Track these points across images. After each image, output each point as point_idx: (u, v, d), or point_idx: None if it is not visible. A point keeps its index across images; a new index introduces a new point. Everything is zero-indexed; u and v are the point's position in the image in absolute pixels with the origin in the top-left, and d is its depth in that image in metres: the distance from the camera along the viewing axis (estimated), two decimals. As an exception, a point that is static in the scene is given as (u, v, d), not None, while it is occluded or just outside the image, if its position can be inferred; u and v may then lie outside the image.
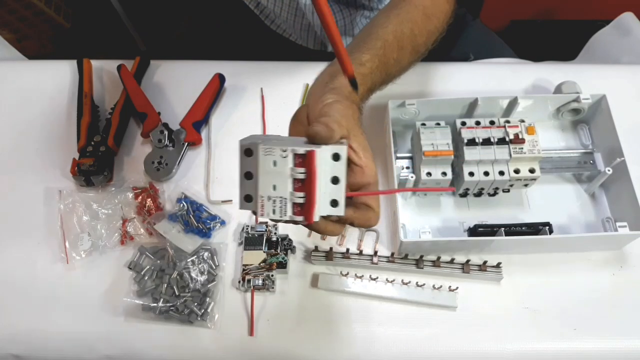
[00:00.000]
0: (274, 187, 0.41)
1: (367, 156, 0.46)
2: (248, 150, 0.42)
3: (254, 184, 0.41)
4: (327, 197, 0.41)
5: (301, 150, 0.40)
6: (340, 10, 0.80)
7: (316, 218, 0.41)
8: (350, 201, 0.45)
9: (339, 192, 0.41)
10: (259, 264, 0.65)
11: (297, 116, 0.49)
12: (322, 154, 0.40)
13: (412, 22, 0.58)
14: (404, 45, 0.57)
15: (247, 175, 0.42)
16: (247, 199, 0.42)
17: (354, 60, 0.52)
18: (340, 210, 0.41)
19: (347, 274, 0.64)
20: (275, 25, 0.88)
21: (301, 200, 0.41)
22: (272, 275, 0.64)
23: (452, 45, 0.90)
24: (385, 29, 0.57)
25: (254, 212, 0.44)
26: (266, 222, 0.68)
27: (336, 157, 0.41)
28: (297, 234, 0.68)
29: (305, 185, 0.40)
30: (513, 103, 0.69)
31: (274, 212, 0.41)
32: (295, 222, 0.42)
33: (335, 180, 0.41)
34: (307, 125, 0.47)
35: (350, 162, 0.45)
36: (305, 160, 0.40)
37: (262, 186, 0.41)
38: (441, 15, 0.62)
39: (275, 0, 0.81)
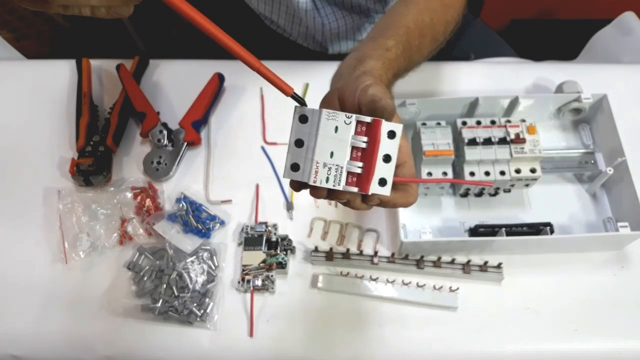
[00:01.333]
0: (332, 154, 0.40)
1: (402, 136, 0.45)
2: (303, 117, 0.41)
3: (306, 151, 0.40)
4: (377, 174, 0.40)
5: (367, 118, 0.40)
6: (343, 16, 0.80)
7: (372, 190, 0.39)
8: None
9: (389, 172, 0.40)
10: (259, 265, 0.64)
11: (328, 101, 0.48)
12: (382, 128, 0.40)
13: (431, 11, 0.59)
14: (425, 33, 0.58)
15: (298, 143, 0.41)
16: (294, 168, 0.41)
17: (380, 46, 0.52)
18: (387, 190, 0.40)
19: (347, 274, 0.64)
20: (275, 25, 0.88)
21: (358, 170, 0.40)
22: (272, 276, 0.64)
23: (453, 44, 0.90)
24: (406, 17, 0.57)
25: (298, 183, 0.42)
26: (266, 223, 0.68)
27: (392, 134, 0.40)
28: (297, 234, 0.68)
29: (367, 154, 0.40)
30: (514, 103, 0.69)
31: (327, 180, 0.40)
32: (346, 195, 0.41)
33: (387, 159, 0.40)
34: (339, 108, 0.46)
35: None
36: (369, 130, 0.40)
37: (320, 152, 0.40)
38: (457, 4, 0.62)
39: (272, 8, 0.80)
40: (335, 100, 0.46)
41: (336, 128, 0.40)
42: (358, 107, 0.42)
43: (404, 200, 0.45)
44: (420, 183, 0.66)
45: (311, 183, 0.40)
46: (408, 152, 0.46)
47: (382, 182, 0.40)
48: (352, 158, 0.40)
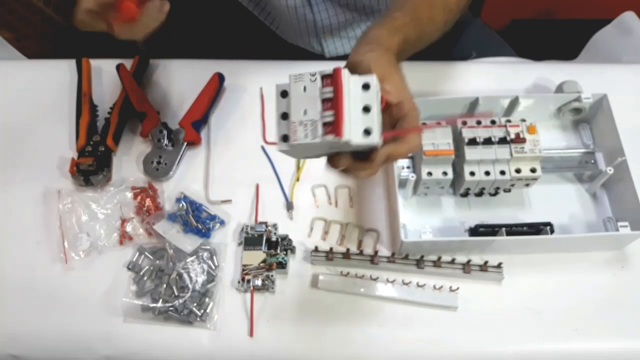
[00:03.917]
0: (305, 112, 0.41)
1: (403, 93, 0.46)
2: (284, 92, 0.43)
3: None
4: (359, 126, 0.42)
5: (328, 70, 0.41)
6: (337, 14, 0.80)
7: (347, 134, 0.40)
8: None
9: (371, 120, 0.42)
10: (259, 264, 0.64)
11: None
12: (351, 81, 0.42)
13: None
14: (435, 3, 0.58)
15: (284, 116, 0.43)
16: (285, 139, 0.43)
17: (386, 17, 0.54)
18: (374, 138, 0.42)
19: (347, 274, 0.64)
20: (275, 25, 0.88)
21: (330, 118, 0.41)
22: (272, 276, 0.64)
23: (453, 44, 0.90)
24: None
25: (287, 147, 0.44)
26: (266, 222, 0.68)
27: (366, 86, 0.42)
28: (297, 234, 0.68)
29: (333, 102, 0.41)
30: (514, 102, 0.69)
31: (305, 135, 0.41)
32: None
33: (366, 109, 0.42)
34: None
35: (387, 104, 0.46)
36: (332, 80, 0.41)
37: (294, 112, 0.42)
38: None
39: (276, 10, 0.81)
40: None
41: (305, 87, 0.42)
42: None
43: (407, 148, 0.46)
44: (421, 180, 0.66)
45: (292, 143, 0.41)
46: (411, 107, 0.46)
47: (367, 132, 0.42)
48: (324, 109, 0.41)
